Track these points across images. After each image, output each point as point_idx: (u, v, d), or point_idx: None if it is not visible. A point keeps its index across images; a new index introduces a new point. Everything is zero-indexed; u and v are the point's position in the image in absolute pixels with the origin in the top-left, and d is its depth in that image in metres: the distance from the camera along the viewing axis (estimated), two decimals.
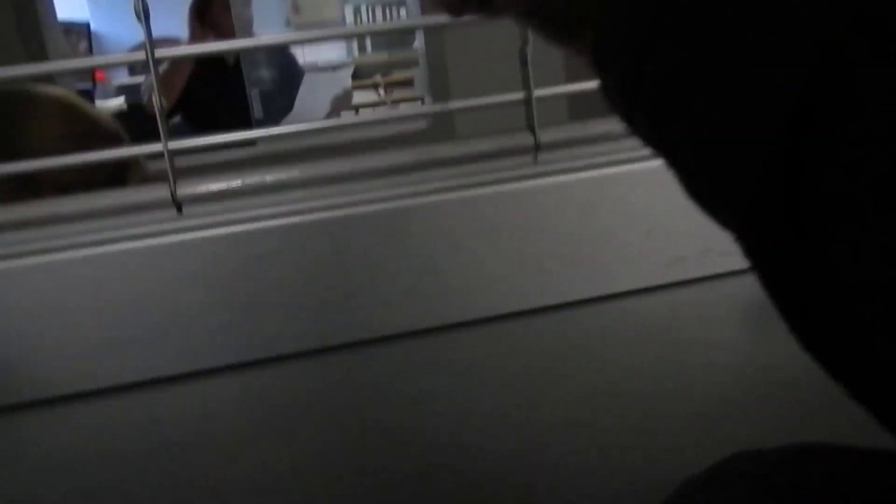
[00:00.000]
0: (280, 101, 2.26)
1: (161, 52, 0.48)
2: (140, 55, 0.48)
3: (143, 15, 0.48)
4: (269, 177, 0.54)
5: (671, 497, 0.22)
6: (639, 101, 0.22)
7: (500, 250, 0.57)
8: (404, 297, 0.56)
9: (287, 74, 2.33)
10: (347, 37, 3.88)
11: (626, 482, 0.39)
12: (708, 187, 0.22)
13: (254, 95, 2.37)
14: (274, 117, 2.22)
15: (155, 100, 0.49)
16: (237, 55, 2.22)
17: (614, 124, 0.59)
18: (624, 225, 0.59)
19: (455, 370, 0.53)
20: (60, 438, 0.49)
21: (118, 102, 3.26)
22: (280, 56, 2.36)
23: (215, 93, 2.16)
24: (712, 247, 0.61)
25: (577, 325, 0.57)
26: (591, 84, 0.57)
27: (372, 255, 0.55)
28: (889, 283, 0.17)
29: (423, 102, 1.90)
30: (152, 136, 0.51)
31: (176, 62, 2.07)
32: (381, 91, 3.58)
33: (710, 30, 0.19)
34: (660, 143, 0.23)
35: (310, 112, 2.24)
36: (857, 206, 0.17)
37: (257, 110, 2.25)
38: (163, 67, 2.12)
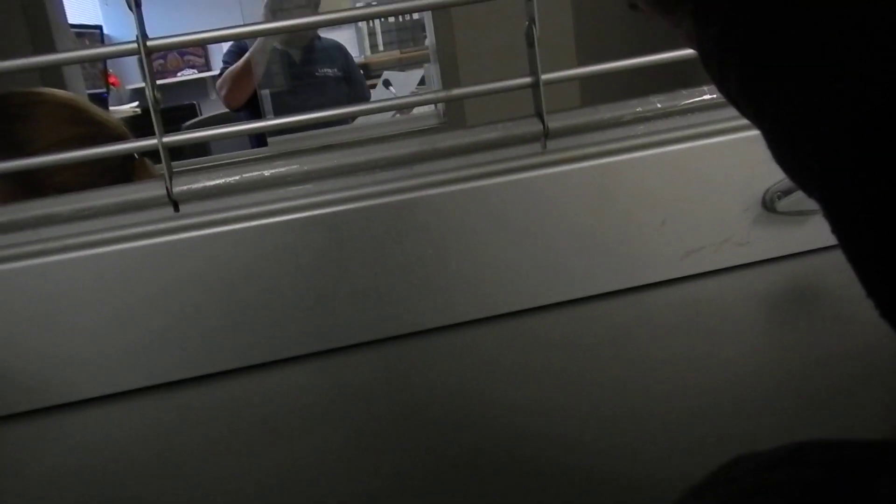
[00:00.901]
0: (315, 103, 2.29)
1: (153, 43, 0.47)
2: (131, 46, 0.47)
3: (135, 3, 0.46)
4: (269, 171, 0.52)
5: None
6: (734, 56, 0.22)
7: (510, 243, 0.55)
8: (412, 295, 0.55)
9: (348, 77, 2.37)
10: (356, 21, 3.85)
11: (643, 475, 0.37)
12: (800, 148, 0.21)
13: (265, 97, 2.36)
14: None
15: (148, 93, 0.47)
16: (304, 53, 2.27)
17: (625, 109, 0.57)
18: (637, 215, 0.56)
19: (466, 369, 0.51)
20: (56, 449, 0.48)
21: (131, 107, 3.28)
22: (344, 59, 2.42)
23: (295, 87, 2.23)
24: (730, 237, 0.58)
25: (591, 320, 0.55)
26: (599, 67, 0.55)
27: (377, 251, 0.53)
28: None
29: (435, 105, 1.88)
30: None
31: (249, 62, 2.15)
32: (393, 89, 3.57)
33: None
34: (751, 102, 0.23)
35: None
36: None
37: (268, 111, 2.25)
38: (239, 63, 2.21)
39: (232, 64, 2.31)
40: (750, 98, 0.23)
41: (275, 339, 0.53)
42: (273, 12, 2.16)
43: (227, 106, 2.38)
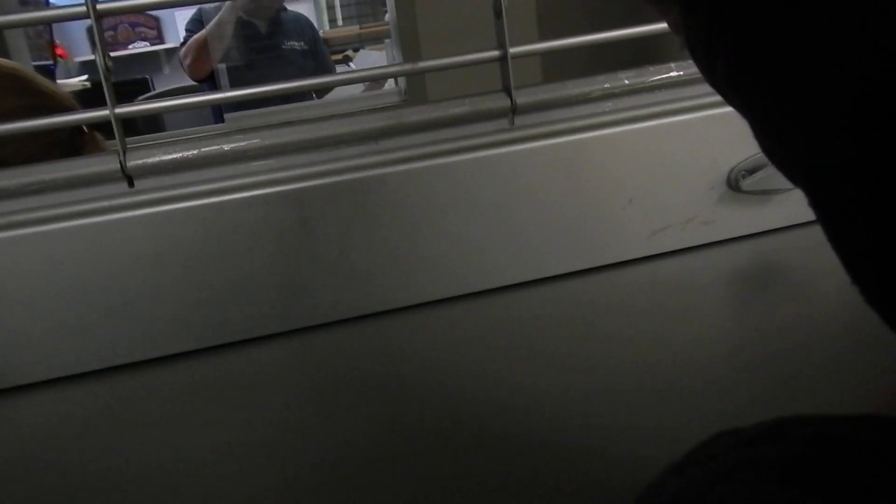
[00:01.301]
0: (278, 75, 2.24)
1: (104, 6, 0.44)
2: (81, 9, 0.44)
3: None
4: (228, 146, 0.50)
5: (651, 484, 0.21)
6: (722, 45, 0.22)
7: (477, 221, 0.54)
8: (378, 273, 0.53)
9: (314, 52, 2.33)
10: None
11: (614, 453, 0.37)
12: (790, 141, 0.20)
13: (221, 70, 2.30)
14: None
15: (98, 60, 0.45)
16: (270, 25, 2.21)
17: (593, 85, 0.56)
18: (605, 193, 0.56)
19: (434, 347, 0.50)
20: (6, 435, 0.46)
21: (81, 80, 3.16)
22: (311, 31, 2.39)
23: (253, 61, 2.17)
24: (695, 216, 0.58)
25: (558, 299, 0.55)
26: (567, 41, 0.54)
27: (342, 228, 0.52)
28: None
29: (395, 80, 1.86)
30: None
31: (217, 29, 2.09)
32: (353, 65, 3.53)
33: None
34: (738, 92, 0.22)
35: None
36: None
37: (224, 85, 2.20)
38: (203, 32, 2.15)
39: (195, 32, 2.24)
40: (737, 88, 0.22)
41: (236, 320, 0.52)
42: None
43: (192, 77, 2.30)
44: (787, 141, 0.21)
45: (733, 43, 0.21)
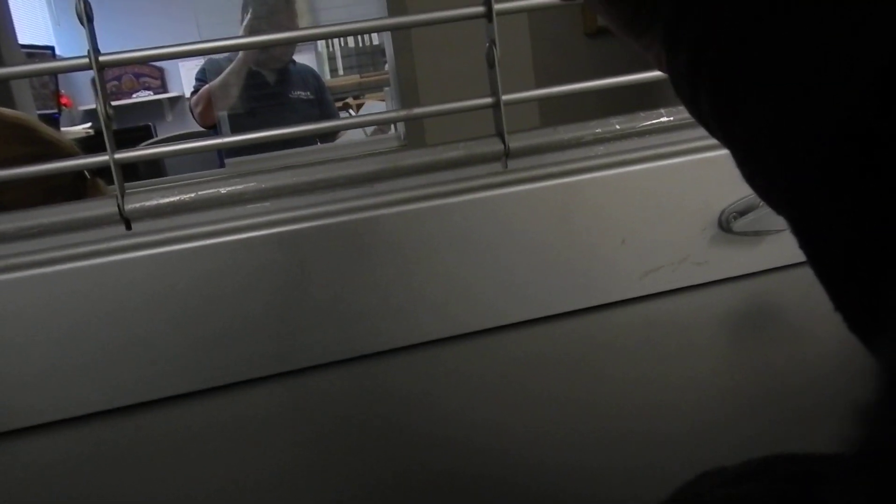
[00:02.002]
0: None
1: (105, 58, 0.45)
2: (83, 60, 0.45)
3: (87, 19, 0.45)
4: (225, 189, 0.51)
5: None
6: (705, 78, 0.22)
7: (471, 262, 0.55)
8: (373, 315, 0.54)
9: (320, 100, 2.38)
10: (314, 39, 3.87)
11: (606, 495, 0.37)
12: (770, 169, 0.21)
13: (223, 118, 2.34)
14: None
15: (99, 108, 0.46)
16: (278, 75, 2.27)
17: (584, 130, 0.57)
18: (598, 234, 0.57)
19: (429, 387, 0.50)
20: (5, 477, 0.45)
21: (84, 128, 3.21)
22: (317, 81, 2.45)
23: (255, 109, 2.21)
24: (687, 257, 0.59)
25: (551, 339, 0.55)
26: (557, 89, 0.56)
27: (336, 271, 0.53)
28: None
29: (395, 127, 1.89)
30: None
31: (230, 76, 2.15)
32: (353, 112, 3.58)
33: None
34: (721, 123, 0.23)
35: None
36: None
37: (225, 132, 2.23)
38: (214, 82, 2.21)
39: (206, 82, 2.30)
40: (720, 120, 0.23)
41: (232, 362, 0.52)
42: (251, 35, 2.18)
43: (201, 124, 2.36)
44: (767, 168, 0.22)
45: (716, 76, 0.22)
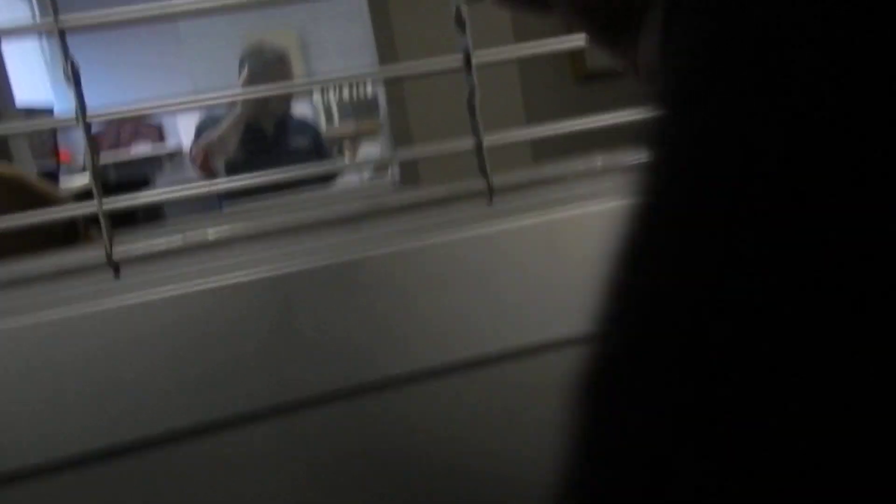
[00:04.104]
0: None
1: (93, 114, 0.47)
2: (71, 118, 0.46)
3: (73, 78, 0.46)
4: (212, 233, 0.51)
5: None
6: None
7: (457, 300, 0.55)
8: (359, 355, 0.54)
9: (318, 150, 2.43)
10: (309, 87, 3.94)
11: None
12: None
13: (220, 169, 2.37)
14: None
15: (87, 160, 0.47)
16: (276, 127, 2.31)
17: (567, 168, 0.58)
18: (584, 269, 0.57)
19: (420, 423, 0.50)
20: None
21: (83, 181, 3.24)
22: (314, 131, 2.51)
23: (253, 160, 2.27)
24: None
25: (540, 372, 0.55)
26: (537, 130, 0.57)
27: (323, 312, 0.53)
28: None
29: (390, 171, 1.91)
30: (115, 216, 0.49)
31: (229, 128, 2.20)
32: (347, 155, 3.64)
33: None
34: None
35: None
36: None
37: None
38: (213, 134, 2.26)
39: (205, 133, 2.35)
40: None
41: (221, 404, 0.52)
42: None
43: (202, 176, 2.41)
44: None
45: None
